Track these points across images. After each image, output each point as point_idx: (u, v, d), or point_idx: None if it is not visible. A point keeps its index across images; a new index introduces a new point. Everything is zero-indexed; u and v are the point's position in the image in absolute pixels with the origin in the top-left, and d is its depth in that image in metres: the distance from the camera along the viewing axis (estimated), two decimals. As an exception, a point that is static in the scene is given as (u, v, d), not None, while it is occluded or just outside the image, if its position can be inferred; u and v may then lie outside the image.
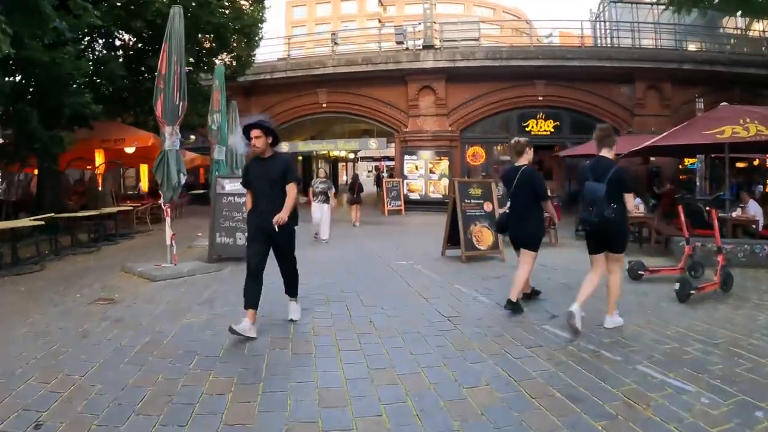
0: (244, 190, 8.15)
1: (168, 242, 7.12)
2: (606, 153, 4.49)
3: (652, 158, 17.51)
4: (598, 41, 24.10)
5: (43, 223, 7.73)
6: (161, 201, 7.07)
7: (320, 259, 8.45)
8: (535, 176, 5.20)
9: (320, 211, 10.66)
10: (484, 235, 8.33)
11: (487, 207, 8.53)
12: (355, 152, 37.74)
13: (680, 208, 6.84)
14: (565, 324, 4.38)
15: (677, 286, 5.48)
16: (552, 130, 20.12)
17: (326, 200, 10.78)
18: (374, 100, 20.10)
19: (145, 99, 11.15)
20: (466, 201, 8.28)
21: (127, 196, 16.53)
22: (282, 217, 4.27)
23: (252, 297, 4.27)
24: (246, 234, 7.56)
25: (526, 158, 5.31)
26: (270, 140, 4.49)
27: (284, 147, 21.11)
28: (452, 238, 8.46)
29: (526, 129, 20.12)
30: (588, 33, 23.04)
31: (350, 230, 12.98)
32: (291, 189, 4.43)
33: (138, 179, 19.68)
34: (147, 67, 12.27)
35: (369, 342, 4.16)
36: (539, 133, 20.10)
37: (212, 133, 9.77)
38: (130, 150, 12.90)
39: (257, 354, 3.88)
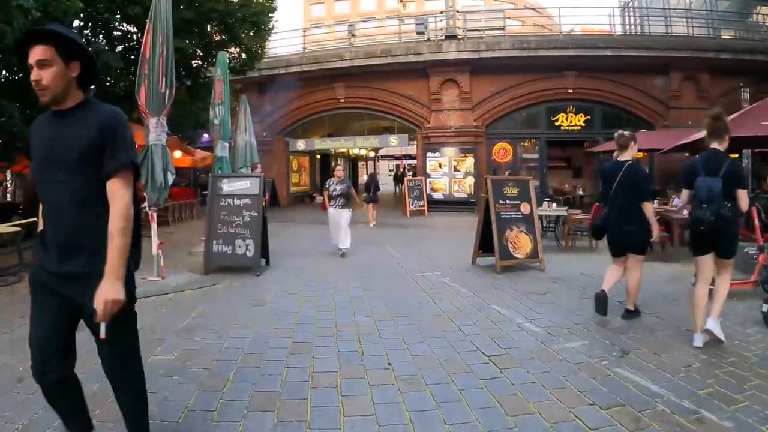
0: (246, 190, 7.33)
1: (154, 252, 6.14)
2: (717, 145, 4.00)
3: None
4: (628, 29, 22.62)
5: (18, 229, 6.84)
6: (145, 204, 6.08)
7: (331, 268, 7.39)
8: (641, 173, 4.74)
9: (339, 218, 8.93)
10: (521, 242, 7.15)
11: (525, 209, 7.33)
12: (376, 150, 36.70)
13: (754, 211, 5.56)
14: (633, 364, 3.25)
15: (765, 308, 4.46)
16: (582, 124, 18.75)
17: (346, 204, 9.03)
18: (394, 94, 18.99)
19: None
20: (500, 202, 7.11)
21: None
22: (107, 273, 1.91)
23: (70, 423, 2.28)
24: (248, 241, 7.10)
25: (631, 153, 4.79)
26: (72, 68, 2.04)
27: (300, 145, 20.23)
28: (484, 245, 7.31)
29: (556, 124, 18.85)
30: (617, 22, 21.57)
31: (367, 232, 11.93)
32: (121, 190, 2.00)
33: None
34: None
35: (385, 400, 3.05)
36: (569, 127, 18.81)
37: (214, 128, 8.79)
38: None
39: (230, 419, 2.80)
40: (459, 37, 18.17)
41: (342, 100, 19.47)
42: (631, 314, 4.72)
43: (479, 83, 18.42)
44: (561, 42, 18.26)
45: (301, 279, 6.69)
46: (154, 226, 6.21)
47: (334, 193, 9.07)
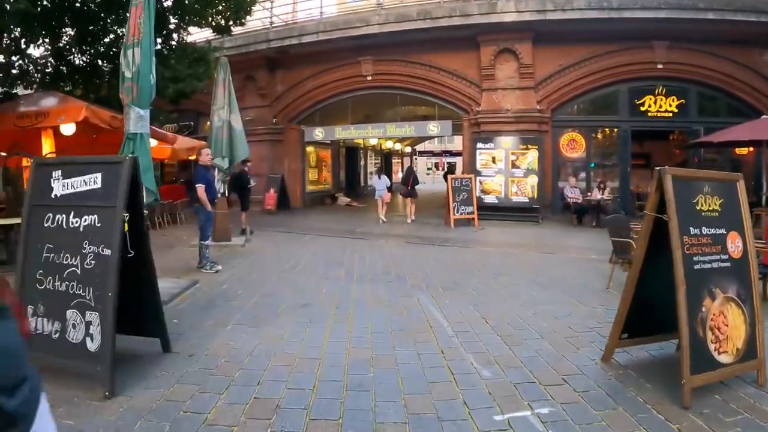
0: (91, 195, 3.16)
1: None
2: None
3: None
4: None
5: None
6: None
7: (307, 356, 3.52)
8: None
9: None
10: (731, 324, 3.08)
11: (733, 245, 3.25)
12: (413, 145, 32.72)
13: None
14: None
15: None
16: (675, 110, 14.39)
17: None
18: (435, 69, 14.99)
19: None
20: (692, 231, 3.04)
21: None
22: None
23: None
24: (90, 315, 3.19)
25: None
26: None
27: (318, 134, 16.53)
28: (635, 320, 3.28)
29: (641, 108, 14.51)
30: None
31: (395, 250, 8.05)
32: None
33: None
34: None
35: None
36: (657, 114, 14.47)
37: (123, 85, 5.01)
38: (67, 131, 8.49)
39: None
40: (519, -8, 14.03)
41: (369, 78, 15.61)
42: None
43: (544, 55, 14.25)
44: (651, 0, 13.85)
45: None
46: None
47: None
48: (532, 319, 4.65)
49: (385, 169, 28.86)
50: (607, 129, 15.37)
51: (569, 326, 4.43)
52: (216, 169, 9.37)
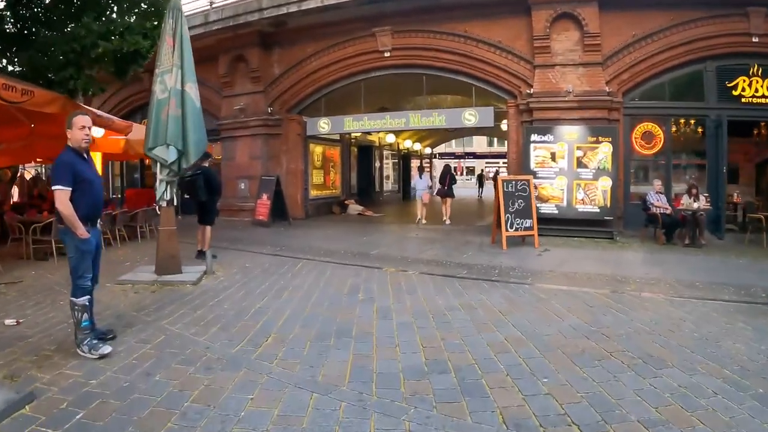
0: None
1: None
2: None
3: None
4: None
5: None
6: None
7: None
8: None
9: None
10: None
11: None
12: (433, 146, 29.42)
13: None
14: None
15: None
16: (773, 95, 10.95)
17: None
18: (472, 42, 11.71)
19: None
20: None
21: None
22: None
23: None
24: None
25: None
26: None
27: (323, 126, 13.35)
28: None
29: (733, 93, 11.16)
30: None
31: (438, 306, 4.71)
32: None
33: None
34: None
35: None
36: (753, 99, 11.15)
37: None
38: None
39: None
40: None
41: (387, 54, 12.39)
42: None
43: (614, 22, 11.02)
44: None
45: None
46: None
47: None
48: None
49: (404, 172, 25.59)
50: (690, 119, 11.97)
51: None
52: (159, 165, 6.22)
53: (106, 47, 7.16)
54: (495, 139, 43.65)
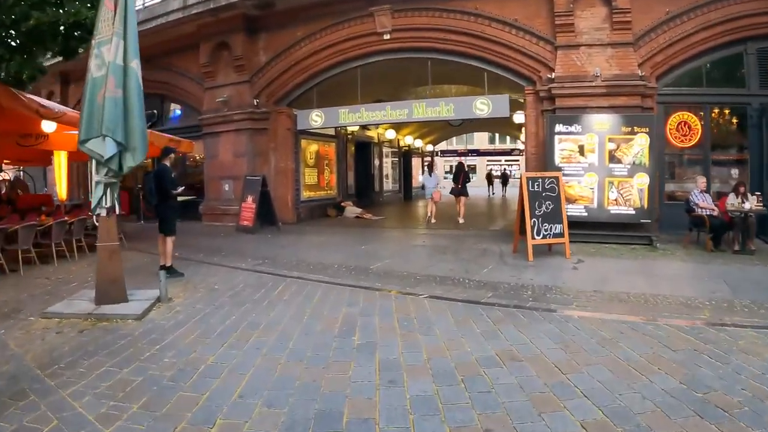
0: None
1: None
2: None
3: None
4: None
5: None
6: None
7: None
8: None
9: None
10: None
11: None
12: (435, 143, 27.97)
13: None
14: None
15: None
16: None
17: None
18: (484, 19, 10.30)
19: None
20: None
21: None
22: None
23: None
24: None
25: None
26: None
27: (315, 120, 11.94)
28: None
29: None
30: None
31: (461, 356, 3.29)
32: None
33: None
34: None
35: None
36: None
37: None
38: None
39: None
40: None
41: (387, 37, 10.97)
42: None
43: (644, -3, 9.60)
44: None
45: None
46: None
47: None
48: None
49: (404, 171, 24.15)
50: (727, 108, 10.57)
51: None
52: (95, 163, 4.81)
53: (40, 18, 5.75)
54: (497, 136, 42.16)
